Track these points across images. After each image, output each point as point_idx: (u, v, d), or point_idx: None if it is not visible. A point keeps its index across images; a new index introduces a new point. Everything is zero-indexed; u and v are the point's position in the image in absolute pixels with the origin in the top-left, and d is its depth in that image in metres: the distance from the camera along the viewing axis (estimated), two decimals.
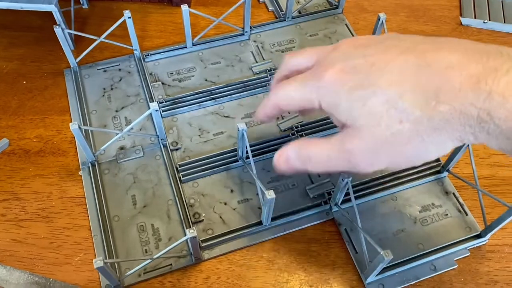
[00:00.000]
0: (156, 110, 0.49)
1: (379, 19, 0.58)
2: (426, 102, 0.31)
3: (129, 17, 0.56)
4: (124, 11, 0.56)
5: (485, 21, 0.68)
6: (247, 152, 0.49)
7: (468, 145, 0.48)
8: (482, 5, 0.71)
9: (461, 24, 0.69)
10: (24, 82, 0.61)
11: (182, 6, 0.57)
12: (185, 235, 0.41)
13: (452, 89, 0.30)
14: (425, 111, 0.31)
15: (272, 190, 0.43)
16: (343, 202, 0.51)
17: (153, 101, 0.57)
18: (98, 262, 0.39)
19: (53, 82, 0.61)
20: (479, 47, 0.32)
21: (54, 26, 0.54)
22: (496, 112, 0.29)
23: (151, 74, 0.61)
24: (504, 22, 0.68)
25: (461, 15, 0.70)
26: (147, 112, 0.49)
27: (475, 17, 0.69)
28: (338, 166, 0.37)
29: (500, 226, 0.46)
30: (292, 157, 0.40)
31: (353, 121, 0.34)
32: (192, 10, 0.58)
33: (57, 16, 0.57)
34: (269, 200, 0.44)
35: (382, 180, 0.53)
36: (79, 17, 0.67)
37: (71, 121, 0.57)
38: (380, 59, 0.34)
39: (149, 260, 0.43)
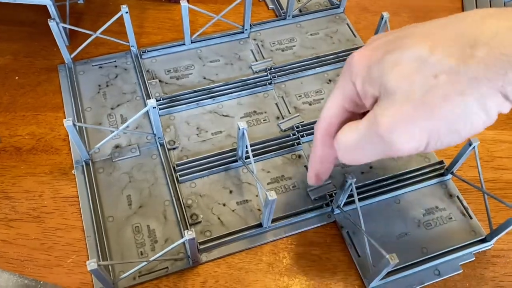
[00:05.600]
0: (153, 107, 0.47)
1: (382, 18, 0.57)
2: (461, 50, 0.29)
3: (126, 12, 0.54)
4: (121, 6, 0.54)
5: None
6: (247, 152, 0.48)
7: (474, 147, 0.47)
8: (484, 7, 0.70)
9: None
10: (17, 77, 0.59)
11: (181, 1, 0.55)
12: (182, 236, 0.40)
13: (489, 34, 0.28)
14: (460, 59, 0.28)
15: (273, 191, 0.42)
16: (345, 204, 0.49)
17: (150, 99, 0.55)
18: (92, 264, 0.37)
19: (47, 78, 0.59)
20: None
21: (48, 19, 0.52)
22: None
23: (148, 71, 0.60)
24: None
25: None
26: (145, 109, 0.47)
27: None
28: (370, 150, 0.33)
29: (507, 230, 0.45)
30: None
31: (384, 88, 0.31)
32: (192, 6, 0.56)
33: (52, 9, 0.55)
34: (270, 201, 0.42)
35: (385, 183, 0.51)
36: (75, 12, 0.66)
37: (65, 118, 0.55)
38: (409, 31, 0.32)
39: (145, 263, 0.41)
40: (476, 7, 0.70)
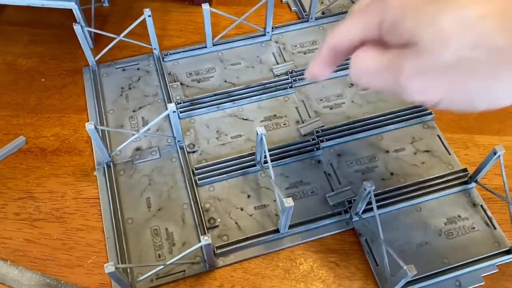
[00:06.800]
0: (173, 111, 0.47)
1: None
2: None
3: (149, 16, 0.55)
4: (144, 10, 0.55)
5: None
6: (265, 157, 0.48)
7: (499, 155, 0.45)
8: None
9: None
10: (43, 79, 0.60)
11: (203, 5, 0.56)
12: (200, 240, 0.40)
13: None
14: (511, 40, 0.25)
15: (290, 198, 0.41)
16: (364, 211, 0.48)
17: (171, 102, 0.56)
18: (109, 267, 0.37)
19: (72, 80, 0.60)
20: None
21: (73, 23, 0.53)
22: None
23: (169, 74, 0.60)
24: None
25: None
26: (165, 113, 0.47)
27: None
28: (383, 82, 0.31)
29: None
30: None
31: (417, 38, 0.28)
32: (213, 9, 0.56)
33: (77, 13, 0.57)
34: (287, 208, 0.42)
35: (405, 190, 0.50)
36: (100, 15, 0.67)
37: (88, 120, 0.56)
38: None
39: (162, 266, 0.42)
40: None
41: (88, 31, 0.58)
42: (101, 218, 0.49)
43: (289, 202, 0.41)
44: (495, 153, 0.45)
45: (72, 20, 0.55)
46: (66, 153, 0.54)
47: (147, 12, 0.54)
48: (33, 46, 0.63)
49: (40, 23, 0.65)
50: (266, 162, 0.50)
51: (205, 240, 0.39)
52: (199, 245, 0.40)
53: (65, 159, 0.54)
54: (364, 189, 0.43)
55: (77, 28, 0.54)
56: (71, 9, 0.56)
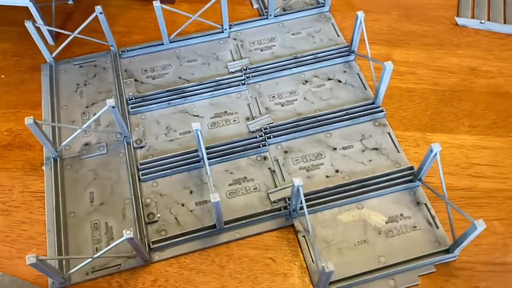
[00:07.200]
0: (113, 107, 0.48)
1: (357, 18, 0.55)
2: None
3: (101, 13, 0.56)
4: (95, 7, 0.55)
5: (483, 21, 0.64)
6: (209, 158, 0.48)
7: (435, 153, 0.44)
8: (482, 4, 0.66)
9: (457, 24, 0.65)
10: (3, 76, 0.61)
11: (154, 2, 0.56)
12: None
13: None
14: None
15: (217, 193, 0.41)
16: (307, 207, 0.48)
17: (124, 97, 0.57)
18: (30, 259, 0.38)
19: (30, 76, 0.61)
20: None
21: (25, 20, 0.54)
22: None
23: (125, 70, 0.61)
24: (504, 23, 0.64)
25: (457, 15, 0.66)
26: (104, 109, 0.48)
27: (473, 17, 0.65)
28: None
29: (466, 241, 0.43)
30: None
31: None
32: (164, 6, 0.57)
33: (33, 10, 0.58)
34: (214, 204, 0.42)
35: (348, 187, 0.50)
36: (64, 13, 0.68)
37: (42, 116, 0.57)
38: None
39: (89, 259, 0.42)
40: (473, 5, 0.67)
41: (48, 29, 0.59)
42: (45, 211, 0.50)
43: (215, 198, 0.41)
44: (431, 151, 0.45)
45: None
46: (18, 147, 0.55)
47: (98, 9, 0.55)
48: None
49: (4, 20, 0.67)
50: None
51: (127, 234, 0.39)
52: (121, 239, 0.40)
53: (16, 153, 0.55)
54: (293, 185, 0.43)
55: (28, 25, 0.54)
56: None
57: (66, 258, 0.46)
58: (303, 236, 0.48)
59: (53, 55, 0.60)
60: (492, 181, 0.52)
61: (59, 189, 0.51)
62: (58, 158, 0.53)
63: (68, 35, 0.59)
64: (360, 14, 0.55)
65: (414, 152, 0.54)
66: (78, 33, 0.58)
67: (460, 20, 0.65)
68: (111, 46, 0.61)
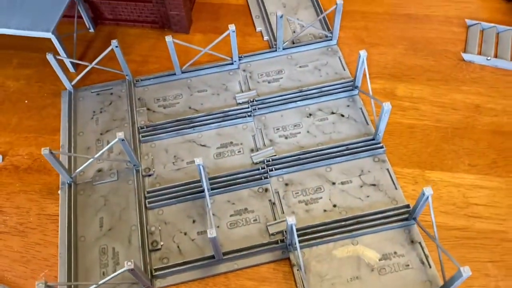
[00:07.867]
0: (122, 140, 0.51)
1: (359, 57, 0.57)
2: None
3: (116, 46, 0.59)
4: (112, 41, 0.59)
5: (489, 58, 0.64)
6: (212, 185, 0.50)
7: (427, 196, 0.46)
8: (489, 40, 0.67)
9: (463, 60, 0.66)
10: (26, 101, 0.66)
11: (166, 37, 0.59)
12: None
13: None
14: None
15: (213, 229, 0.44)
16: (302, 241, 0.50)
17: (136, 125, 0.60)
18: (39, 285, 0.41)
19: (51, 102, 0.65)
20: None
21: (47, 53, 0.58)
22: None
23: (139, 99, 0.64)
24: (511, 60, 0.64)
25: (464, 51, 0.67)
26: (113, 141, 0.51)
27: (480, 53, 0.66)
28: None
29: (455, 284, 0.44)
30: None
31: None
32: (176, 41, 0.60)
33: (56, 42, 0.62)
34: (211, 238, 0.45)
35: (344, 223, 0.52)
36: (85, 40, 0.72)
37: (60, 142, 0.61)
38: None
39: (94, 285, 0.45)
40: (481, 41, 0.67)
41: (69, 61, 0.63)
42: (58, 234, 0.54)
43: (212, 233, 0.44)
44: (423, 194, 0.46)
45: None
46: (37, 171, 0.59)
47: (114, 43, 0.58)
48: (21, 69, 0.69)
49: (30, 48, 0.71)
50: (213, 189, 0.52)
51: (128, 265, 0.42)
52: (122, 270, 0.43)
53: (34, 177, 0.58)
54: (287, 222, 0.45)
55: (49, 57, 0.58)
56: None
57: (73, 284, 0.50)
58: (298, 270, 0.50)
59: (73, 83, 0.64)
60: (489, 222, 0.52)
61: (72, 214, 0.54)
62: (72, 184, 0.56)
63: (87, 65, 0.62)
64: (362, 54, 0.56)
65: (412, 190, 0.55)
66: (96, 64, 0.61)
67: (466, 56, 0.66)
68: (126, 75, 0.64)
